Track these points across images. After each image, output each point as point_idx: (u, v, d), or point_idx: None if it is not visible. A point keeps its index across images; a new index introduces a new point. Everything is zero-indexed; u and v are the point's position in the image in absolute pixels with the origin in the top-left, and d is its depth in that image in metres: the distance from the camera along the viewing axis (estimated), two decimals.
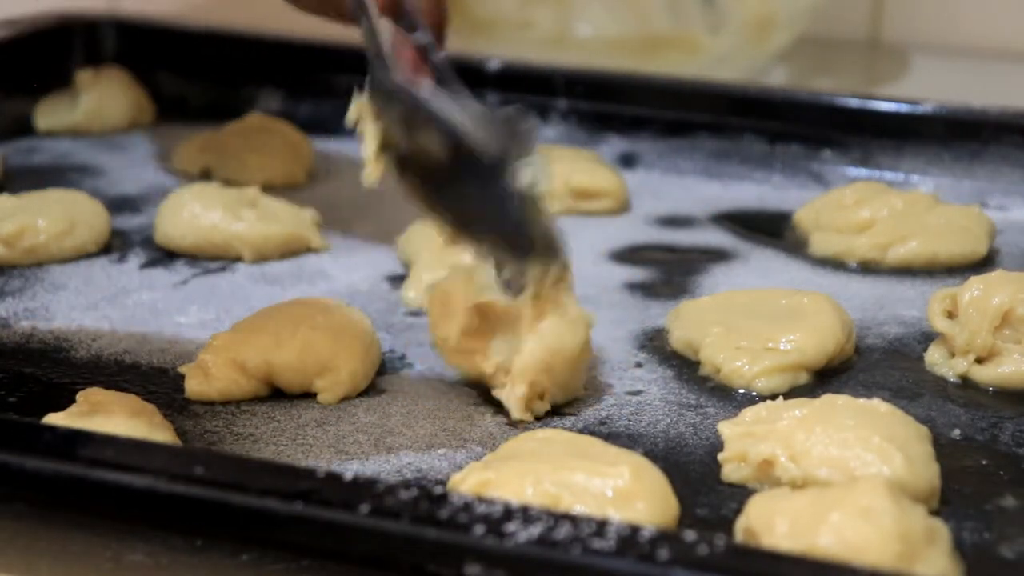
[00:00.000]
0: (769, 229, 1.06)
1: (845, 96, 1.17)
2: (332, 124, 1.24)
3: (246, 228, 0.99)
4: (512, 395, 0.77)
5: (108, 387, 0.77)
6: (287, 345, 0.80)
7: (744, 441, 0.71)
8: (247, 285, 0.96)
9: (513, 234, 0.76)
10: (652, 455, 0.71)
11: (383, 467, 0.73)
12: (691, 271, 0.98)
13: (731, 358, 0.82)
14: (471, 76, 1.22)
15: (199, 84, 1.29)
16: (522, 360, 0.77)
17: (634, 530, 0.57)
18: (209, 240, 0.99)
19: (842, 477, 0.67)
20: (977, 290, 0.82)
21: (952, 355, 0.83)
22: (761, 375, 0.81)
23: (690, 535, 0.57)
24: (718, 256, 1.01)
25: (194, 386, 0.80)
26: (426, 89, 0.78)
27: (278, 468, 0.65)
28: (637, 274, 0.98)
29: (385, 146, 0.81)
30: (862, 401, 0.72)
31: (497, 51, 1.26)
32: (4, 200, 1.00)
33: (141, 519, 0.63)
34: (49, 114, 1.25)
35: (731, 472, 0.72)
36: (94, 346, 0.86)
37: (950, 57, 1.49)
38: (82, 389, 0.75)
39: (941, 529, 0.63)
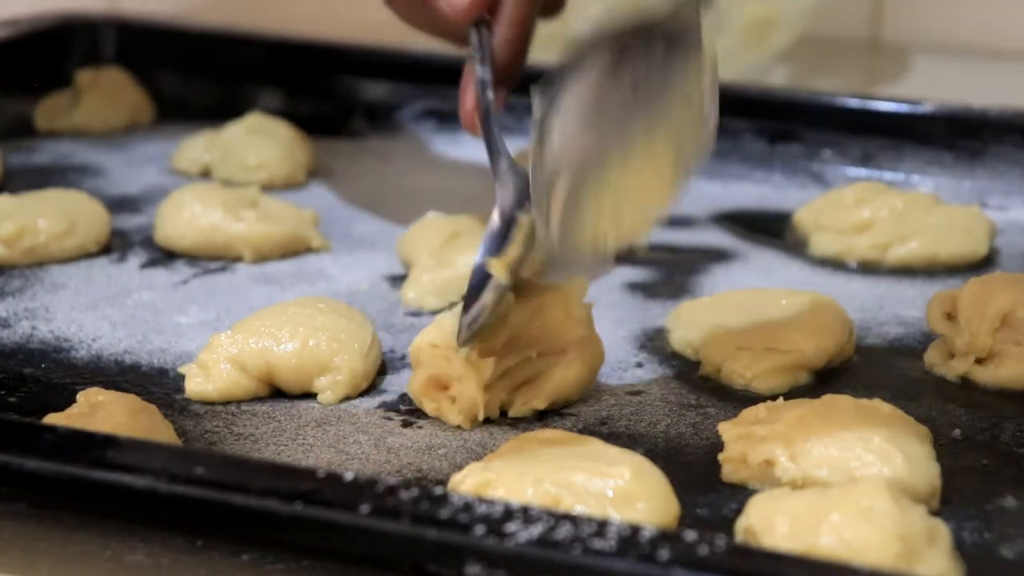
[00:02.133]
0: (769, 229, 1.06)
1: (845, 96, 1.17)
2: (332, 124, 1.24)
3: (246, 228, 0.99)
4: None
5: (108, 387, 0.76)
6: (287, 345, 0.80)
7: (744, 441, 0.71)
8: (247, 285, 0.96)
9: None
10: (652, 455, 0.71)
11: (383, 467, 0.73)
12: (691, 271, 0.98)
13: (731, 358, 0.82)
14: None
15: (199, 84, 1.29)
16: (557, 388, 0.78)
17: (634, 530, 0.57)
18: (209, 240, 0.99)
19: (842, 477, 0.67)
20: (976, 292, 0.82)
21: (951, 356, 0.83)
22: (761, 375, 0.81)
23: (690, 535, 0.57)
24: (718, 256, 1.01)
25: (194, 386, 0.80)
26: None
27: (278, 468, 0.65)
28: (637, 274, 0.98)
29: None
30: (862, 401, 0.72)
31: None
32: (4, 200, 1.00)
33: (141, 519, 0.63)
34: (49, 114, 1.25)
35: (731, 472, 0.72)
36: (94, 346, 0.86)
37: (950, 57, 1.49)
38: (82, 389, 0.75)
39: (941, 529, 0.63)
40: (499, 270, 0.75)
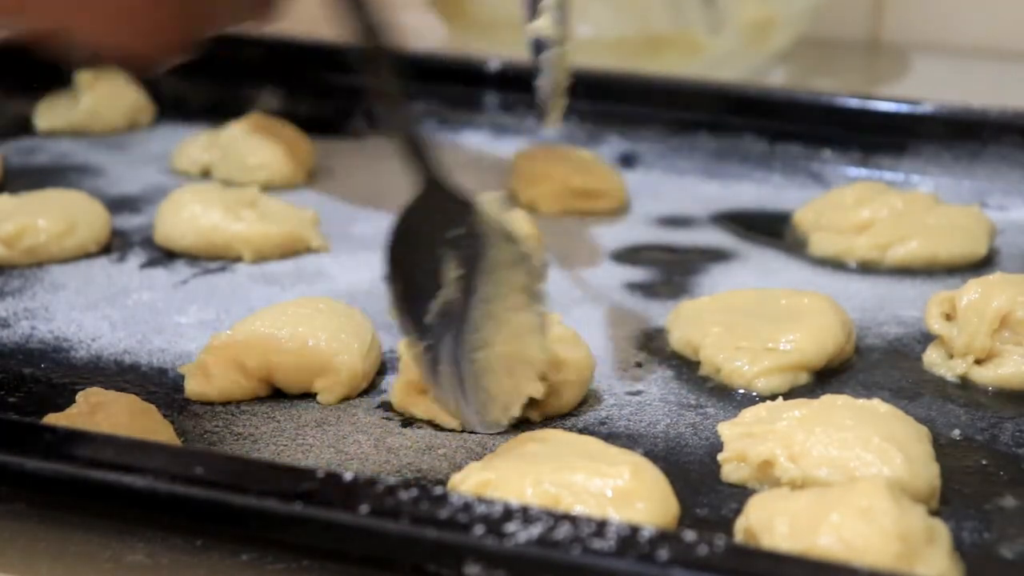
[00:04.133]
0: (769, 229, 1.06)
1: (845, 96, 1.17)
2: (332, 124, 1.24)
3: (246, 228, 0.99)
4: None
5: (108, 387, 0.77)
6: (287, 345, 0.80)
7: (744, 441, 0.71)
8: (247, 285, 0.96)
9: None
10: (652, 455, 0.71)
11: (383, 467, 0.73)
12: (691, 271, 0.98)
13: (731, 358, 0.82)
14: (471, 76, 1.23)
15: (199, 84, 1.29)
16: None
17: (634, 530, 0.57)
18: (209, 240, 0.99)
19: (842, 477, 0.67)
20: (975, 293, 0.82)
21: (951, 356, 0.83)
22: (761, 375, 0.81)
23: (690, 535, 0.57)
24: (718, 256, 1.01)
25: (194, 386, 0.80)
26: None
27: (278, 468, 0.65)
28: (637, 274, 0.98)
29: None
30: (862, 401, 0.72)
31: (497, 51, 1.26)
32: (4, 200, 1.00)
33: (141, 519, 0.63)
34: (49, 114, 1.25)
35: (731, 472, 0.72)
36: (94, 346, 0.86)
37: (950, 57, 1.49)
38: (82, 389, 0.75)
39: (941, 529, 0.63)
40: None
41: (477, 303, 0.76)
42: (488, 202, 0.75)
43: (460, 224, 0.75)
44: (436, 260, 0.76)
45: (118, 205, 1.07)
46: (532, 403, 0.77)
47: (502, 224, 0.75)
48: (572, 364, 0.78)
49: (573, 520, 0.58)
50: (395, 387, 0.78)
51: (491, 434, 0.76)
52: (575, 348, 0.79)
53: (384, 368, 0.83)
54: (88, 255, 0.99)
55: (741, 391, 0.81)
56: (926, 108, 1.13)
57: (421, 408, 0.77)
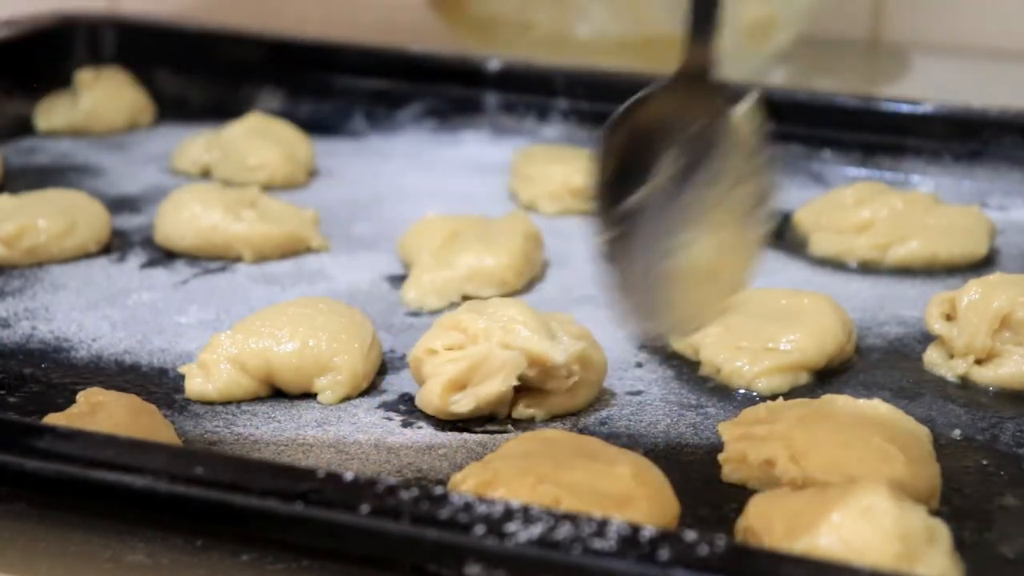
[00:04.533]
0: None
1: (845, 96, 1.17)
2: (332, 124, 1.25)
3: (246, 228, 0.99)
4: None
5: (108, 387, 0.76)
6: (287, 345, 0.80)
7: (744, 442, 0.71)
8: (247, 285, 0.96)
9: None
10: (652, 455, 0.71)
11: (383, 467, 0.73)
12: None
13: (731, 358, 0.82)
14: (471, 76, 1.23)
15: (199, 84, 1.29)
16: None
17: (634, 530, 0.57)
18: (209, 240, 0.99)
19: (842, 477, 0.67)
20: (976, 294, 0.82)
21: (951, 356, 0.83)
22: (761, 375, 0.81)
23: (690, 535, 0.57)
24: None
25: (194, 386, 0.80)
26: None
27: (278, 468, 0.65)
28: None
29: None
30: (862, 401, 0.72)
31: (497, 51, 1.26)
32: (4, 200, 1.00)
33: (141, 519, 0.63)
34: (49, 114, 1.25)
35: (731, 472, 0.72)
36: (94, 346, 0.86)
37: (950, 57, 1.49)
38: (82, 389, 0.75)
39: (941, 529, 0.63)
40: None
41: (685, 206, 0.70)
42: (747, 109, 0.69)
43: (702, 122, 0.70)
44: (658, 151, 0.70)
45: (118, 205, 1.07)
46: (542, 401, 0.77)
47: (752, 134, 0.69)
48: (594, 364, 0.78)
49: (573, 520, 0.58)
50: (432, 389, 0.77)
51: (492, 435, 0.76)
52: (595, 349, 0.79)
53: (384, 368, 0.83)
54: (88, 255, 0.99)
55: (741, 391, 0.81)
56: (926, 108, 1.13)
57: (463, 403, 0.77)
